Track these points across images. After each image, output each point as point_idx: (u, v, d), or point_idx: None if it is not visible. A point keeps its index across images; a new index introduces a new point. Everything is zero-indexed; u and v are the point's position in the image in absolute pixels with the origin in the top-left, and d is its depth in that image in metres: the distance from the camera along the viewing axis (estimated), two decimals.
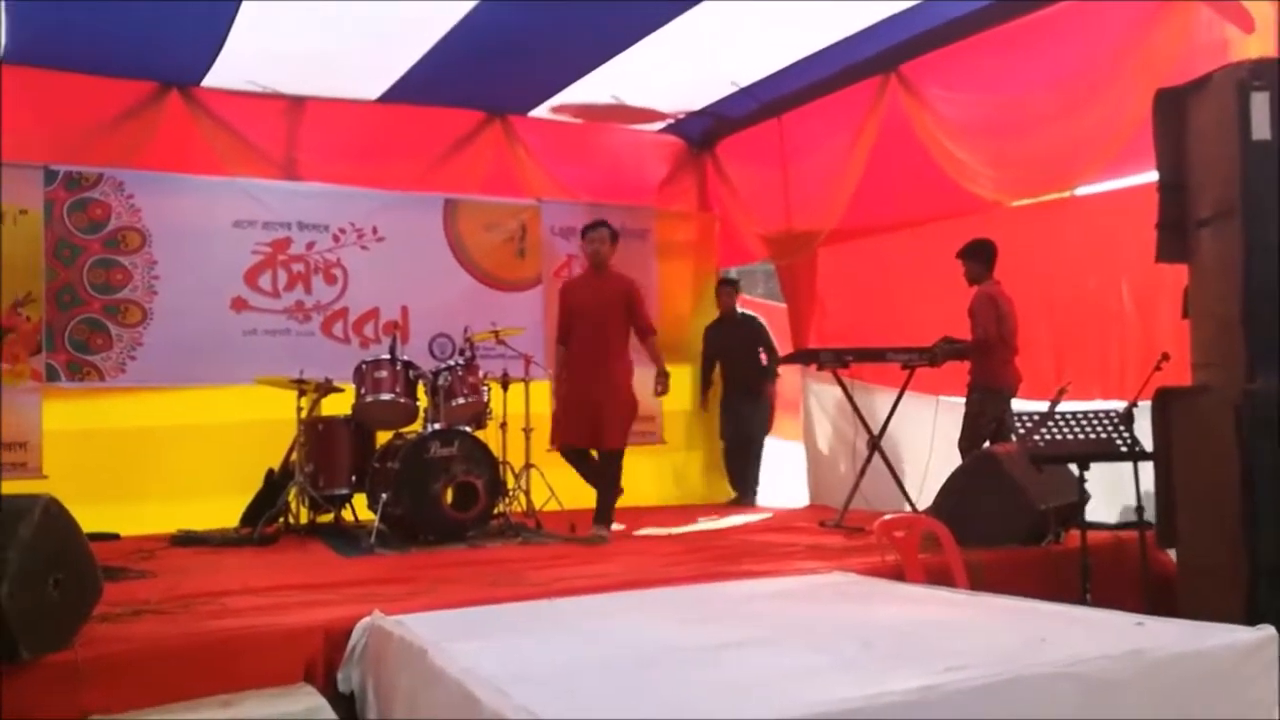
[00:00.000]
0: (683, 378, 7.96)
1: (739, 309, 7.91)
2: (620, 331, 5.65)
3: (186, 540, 5.55)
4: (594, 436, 5.56)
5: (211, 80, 6.56)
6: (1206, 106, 3.91)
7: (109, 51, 6.00)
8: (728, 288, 7.88)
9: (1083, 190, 5.64)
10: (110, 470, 6.06)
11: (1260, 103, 3.72)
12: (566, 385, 5.70)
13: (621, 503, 6.63)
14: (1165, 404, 3.95)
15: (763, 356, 7.66)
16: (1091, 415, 4.33)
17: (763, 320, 7.93)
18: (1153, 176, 4.16)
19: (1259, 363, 3.66)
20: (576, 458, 5.72)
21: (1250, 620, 2.88)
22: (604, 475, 5.63)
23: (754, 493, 7.61)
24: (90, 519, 3.50)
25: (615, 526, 6.15)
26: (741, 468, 7.72)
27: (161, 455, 6.27)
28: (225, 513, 5.92)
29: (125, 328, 6.37)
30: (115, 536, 5.67)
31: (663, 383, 5.62)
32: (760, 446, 7.71)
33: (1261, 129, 3.71)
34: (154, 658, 3.02)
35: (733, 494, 7.73)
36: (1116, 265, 5.47)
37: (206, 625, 3.29)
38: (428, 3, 5.50)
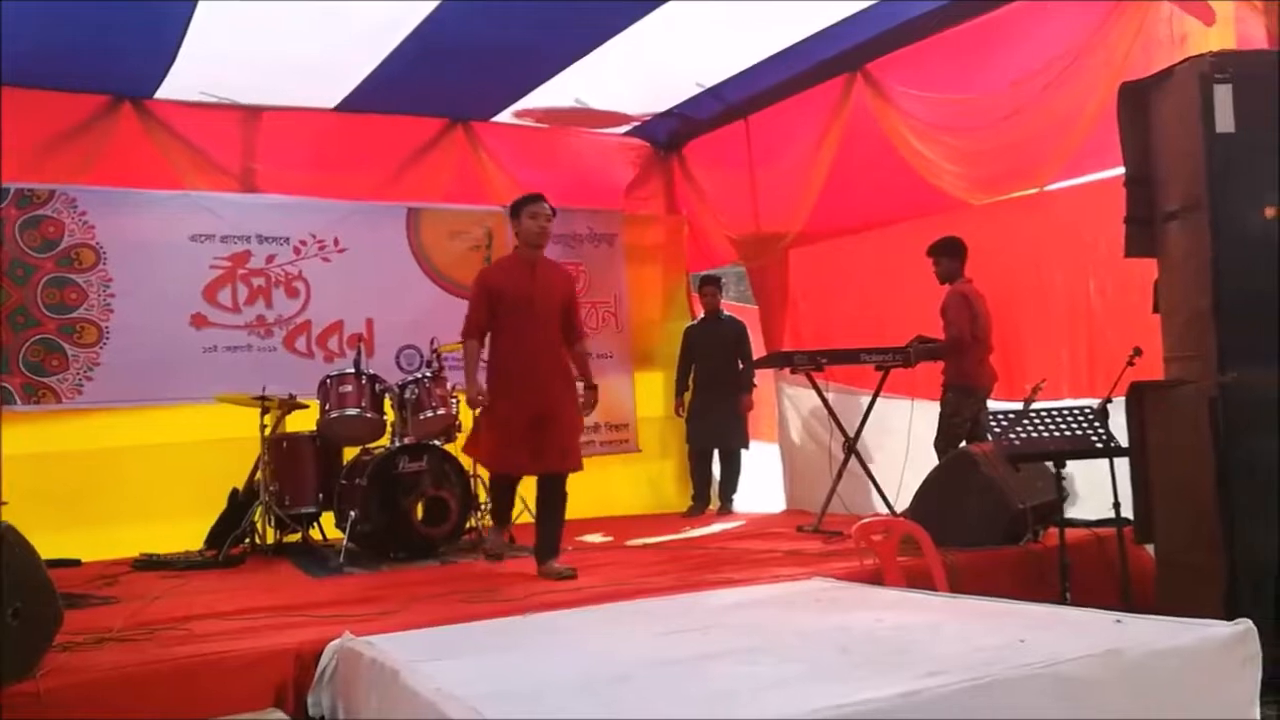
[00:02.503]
0: (654, 385, 7.93)
1: (723, 311, 7.63)
2: (561, 330, 4.83)
3: (150, 564, 5.43)
4: (548, 458, 4.65)
5: (165, 92, 6.45)
6: (1170, 100, 3.93)
7: (59, 64, 5.88)
8: (711, 287, 7.59)
9: (1051, 186, 5.65)
10: (69, 495, 5.92)
11: (1223, 95, 3.73)
12: (501, 397, 4.67)
13: (597, 512, 6.59)
14: (1139, 398, 3.96)
15: (739, 364, 7.36)
16: (1066, 412, 4.34)
17: (745, 325, 7.65)
18: (1120, 171, 4.17)
19: (1230, 354, 3.67)
20: (507, 484, 5.10)
21: (1229, 615, 2.88)
22: (558, 503, 4.75)
23: (731, 501, 7.44)
24: (50, 545, 3.44)
25: (593, 538, 6.11)
26: (706, 476, 7.52)
27: (122, 477, 6.14)
28: (189, 535, 5.80)
29: (81, 348, 6.24)
30: (76, 563, 5.54)
31: (592, 398, 4.87)
32: (738, 455, 7.46)
33: (1225, 121, 3.72)
34: (119, 687, 2.96)
35: (690, 503, 7.46)
36: (1087, 260, 5.49)
37: (172, 652, 3.22)
38: (384, 6, 5.43)
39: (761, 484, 8.00)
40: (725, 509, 7.34)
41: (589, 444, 7.31)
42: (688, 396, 7.51)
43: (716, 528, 6.51)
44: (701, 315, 7.70)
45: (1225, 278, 3.68)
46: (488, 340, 4.83)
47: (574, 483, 7.06)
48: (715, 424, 7.31)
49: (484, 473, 6.07)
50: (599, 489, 6.41)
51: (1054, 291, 5.73)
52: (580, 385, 4.87)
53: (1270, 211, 3.63)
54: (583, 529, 6.25)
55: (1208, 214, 3.72)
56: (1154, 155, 4.01)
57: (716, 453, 7.51)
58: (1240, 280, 3.67)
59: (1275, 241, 3.64)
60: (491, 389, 4.73)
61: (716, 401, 7.31)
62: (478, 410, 4.80)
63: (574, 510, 6.62)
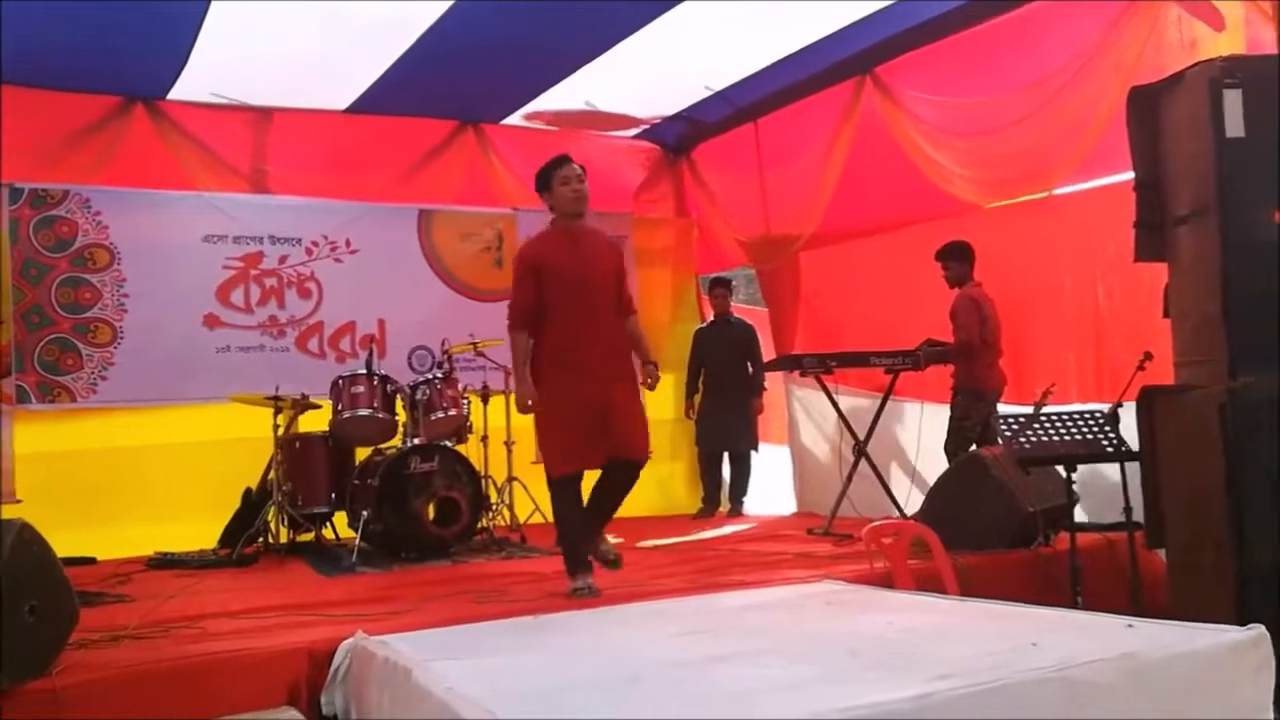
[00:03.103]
0: (663, 387, 7.89)
1: (733, 314, 7.60)
2: (617, 307, 4.33)
3: (164, 563, 5.46)
4: (620, 447, 4.15)
5: (177, 93, 6.48)
6: (1180, 104, 3.92)
7: (72, 66, 5.92)
8: (720, 289, 7.55)
9: (1060, 190, 5.65)
10: (84, 493, 5.96)
11: (1233, 100, 3.72)
12: (560, 392, 4.12)
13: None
14: (1149, 403, 3.95)
15: (749, 367, 7.35)
16: (1077, 416, 4.33)
17: (754, 328, 7.60)
18: (1129, 175, 4.17)
19: (1240, 359, 3.66)
20: (574, 485, 4.27)
21: (1241, 619, 2.88)
22: (623, 493, 4.31)
23: (741, 503, 7.44)
24: (65, 543, 3.46)
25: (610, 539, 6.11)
26: (716, 478, 7.50)
27: (136, 477, 6.18)
28: (203, 534, 5.83)
29: (95, 347, 6.28)
30: (91, 561, 5.57)
31: (653, 373, 4.33)
32: (748, 458, 7.42)
33: (1235, 126, 3.72)
34: (134, 684, 2.97)
35: (700, 505, 7.47)
36: (1097, 264, 5.48)
37: (186, 650, 3.24)
38: (396, 8, 5.45)
39: (772, 486, 8.00)
40: (735, 511, 7.34)
41: None
42: (698, 399, 7.51)
43: (727, 530, 6.51)
44: (711, 318, 7.70)
45: (1235, 282, 3.67)
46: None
47: (583, 485, 7.14)
48: (725, 426, 7.30)
49: (496, 473, 6.10)
50: None
51: (1064, 295, 5.72)
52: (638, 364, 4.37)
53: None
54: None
55: (1217, 219, 3.72)
56: (1163, 160, 4.01)
57: (726, 455, 7.51)
58: (1250, 285, 3.66)
59: None
60: (547, 385, 4.13)
61: (726, 404, 7.30)
62: (531, 414, 4.24)
63: None
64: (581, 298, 4.15)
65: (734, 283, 8.36)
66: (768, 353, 7.57)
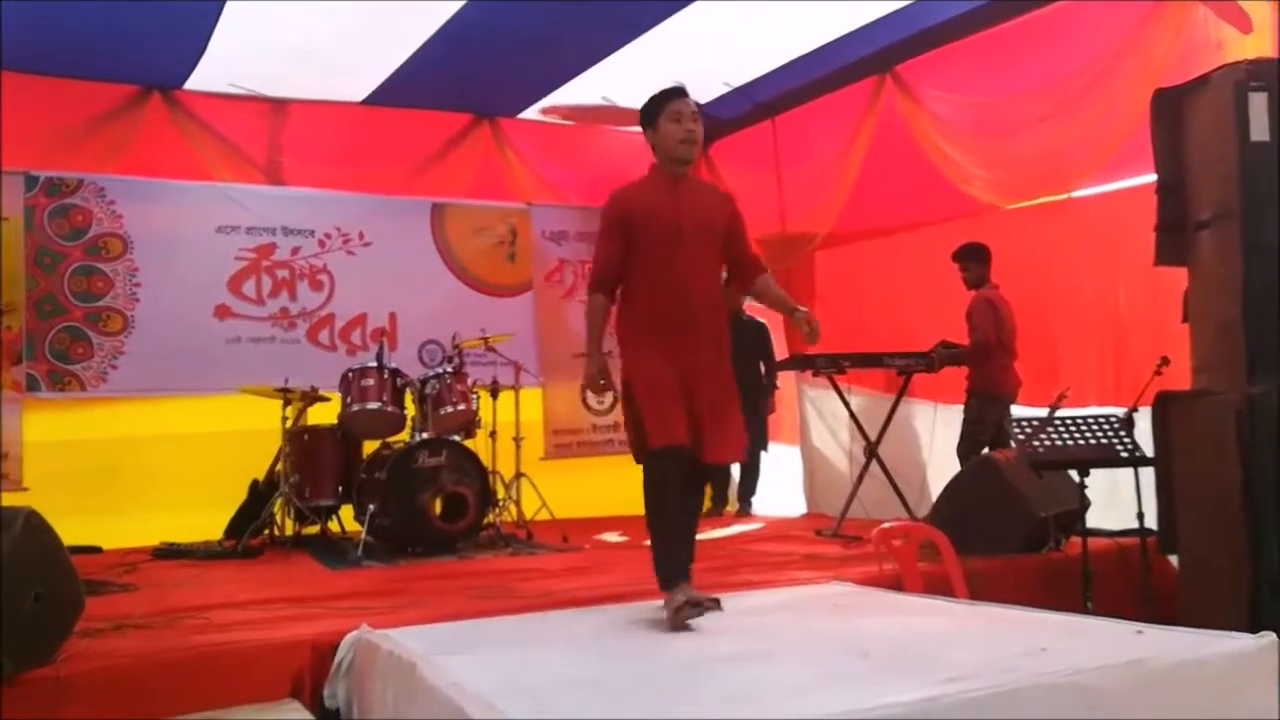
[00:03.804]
0: None
1: (745, 312, 7.31)
2: (734, 267, 3.77)
3: (170, 553, 5.47)
4: (703, 442, 3.42)
5: (194, 83, 6.49)
6: (1204, 107, 3.89)
7: (89, 54, 5.94)
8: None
9: (1080, 192, 5.60)
10: (92, 482, 5.97)
11: (1258, 103, 3.69)
12: (646, 361, 3.44)
13: (615, 511, 6.56)
14: (1165, 408, 3.92)
15: (761, 367, 7.17)
16: (1092, 420, 4.29)
17: (767, 326, 7.40)
18: (1151, 178, 4.13)
19: (1259, 366, 3.63)
20: (675, 471, 3.34)
21: (1253, 627, 2.85)
22: (698, 505, 3.70)
23: (749, 503, 7.39)
24: (72, 532, 3.45)
25: (610, 537, 6.09)
26: (725, 477, 7.36)
27: (144, 466, 6.18)
28: (209, 525, 5.83)
29: (106, 336, 6.29)
30: (97, 550, 5.58)
31: (809, 321, 3.69)
32: (757, 458, 7.27)
33: (1260, 130, 3.69)
34: (137, 673, 2.97)
35: (708, 505, 7.23)
36: (1116, 268, 5.44)
37: (191, 640, 3.23)
38: (414, 4, 5.44)
39: (781, 487, 7.96)
40: (744, 511, 7.31)
41: (608, 443, 7.32)
42: None
43: (735, 530, 6.48)
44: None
45: (1255, 288, 3.65)
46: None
47: (592, 481, 7.11)
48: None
49: (504, 469, 6.08)
50: (617, 488, 6.38)
51: (1082, 298, 5.68)
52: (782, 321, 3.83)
53: None
54: (600, 527, 6.25)
55: (1239, 223, 3.69)
56: (1186, 163, 3.97)
57: None
58: (1270, 290, 3.63)
59: None
60: (633, 354, 3.48)
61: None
62: (605, 397, 3.64)
63: (592, 509, 6.70)
64: (677, 254, 3.45)
65: None
66: (780, 352, 7.52)
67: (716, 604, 3.19)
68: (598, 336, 3.51)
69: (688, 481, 3.41)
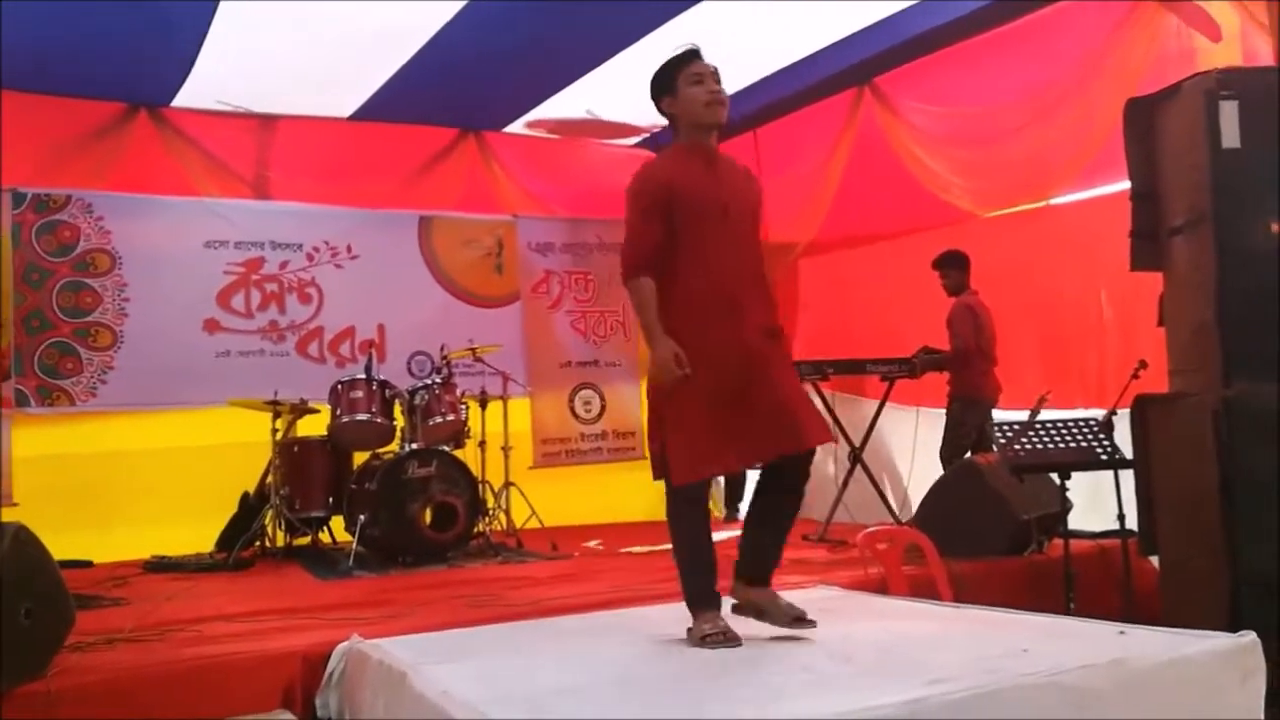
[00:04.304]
0: None
1: None
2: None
3: (161, 566, 5.47)
4: (789, 432, 3.08)
5: (181, 100, 6.49)
6: (1176, 115, 3.95)
7: (77, 72, 5.94)
8: None
9: (1058, 199, 5.67)
10: (82, 496, 5.95)
11: (1229, 111, 3.75)
12: (695, 362, 3.04)
13: (603, 519, 6.58)
14: (1143, 411, 3.97)
15: None
16: (1072, 424, 4.35)
17: None
18: (1126, 185, 4.19)
19: (1234, 368, 3.68)
20: (701, 497, 3.19)
21: (1233, 626, 2.89)
22: (796, 501, 3.25)
23: (736, 509, 7.34)
24: (62, 546, 3.45)
25: (592, 544, 6.10)
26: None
27: (134, 480, 6.17)
28: (200, 538, 5.83)
29: (95, 351, 6.29)
30: (88, 564, 5.58)
31: None
32: None
33: (1231, 137, 3.74)
34: (129, 687, 2.98)
35: (724, 511, 7.34)
36: (1094, 273, 5.51)
37: (182, 653, 3.25)
38: (401, 19, 5.48)
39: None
40: (730, 517, 7.30)
41: (595, 451, 7.34)
42: None
43: (722, 535, 6.48)
44: None
45: (1229, 292, 3.70)
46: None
47: (580, 490, 7.12)
48: None
49: (494, 478, 6.10)
50: (605, 495, 6.45)
51: (1060, 303, 5.75)
52: None
53: (1275, 226, 3.65)
54: (589, 535, 6.27)
55: (1212, 229, 3.74)
56: (1160, 170, 4.03)
57: None
58: (1244, 294, 3.68)
59: (1279, 256, 3.65)
60: (682, 331, 3.08)
61: None
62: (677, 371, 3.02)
63: (580, 516, 6.72)
64: (724, 235, 3.15)
65: None
66: None
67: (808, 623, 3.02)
68: (656, 318, 3.10)
69: (784, 480, 3.17)
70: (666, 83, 3.28)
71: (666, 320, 3.10)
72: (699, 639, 3.01)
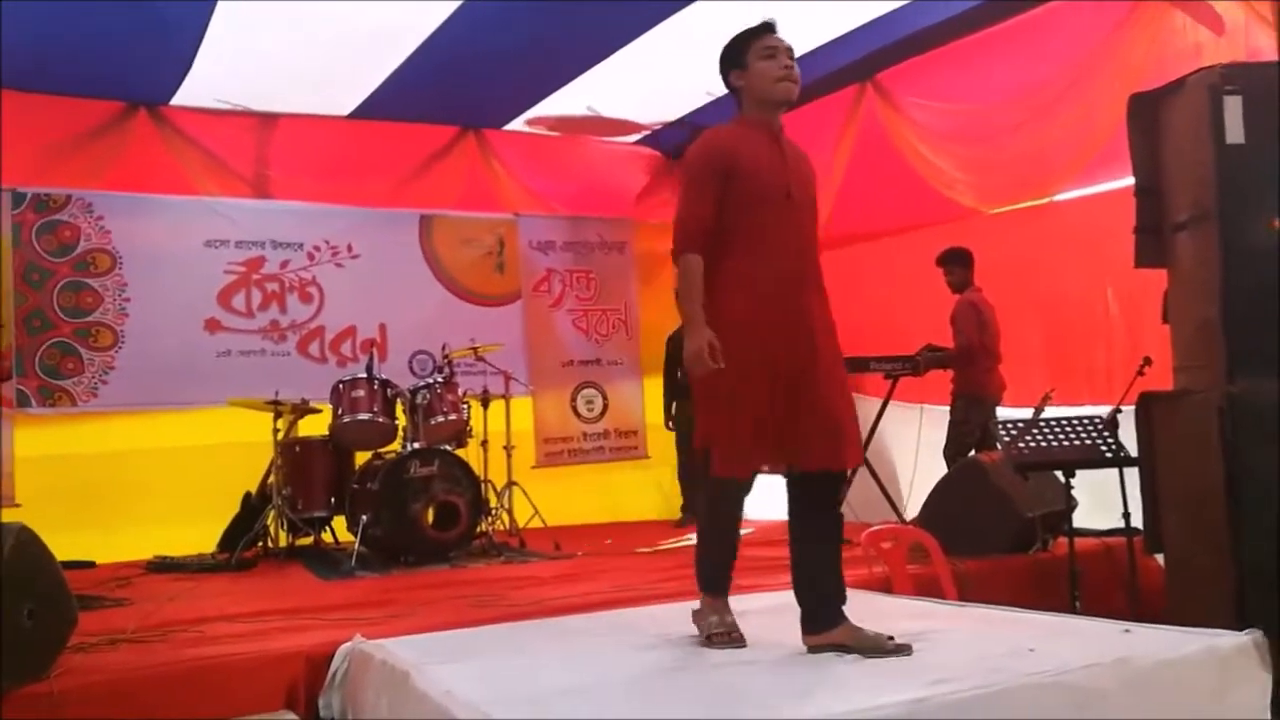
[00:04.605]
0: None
1: None
2: None
3: (163, 567, 5.46)
4: (823, 445, 2.93)
5: (180, 99, 6.50)
6: (1180, 111, 3.93)
7: (75, 71, 5.94)
8: None
9: (1062, 196, 5.66)
10: (84, 497, 5.96)
11: (1233, 106, 3.73)
12: (742, 351, 2.86)
13: (606, 518, 6.55)
14: (1148, 408, 3.96)
15: None
16: (1076, 421, 4.33)
17: None
18: (1130, 181, 4.17)
19: (1239, 365, 3.67)
20: (738, 496, 3.08)
21: (1239, 624, 2.88)
22: (836, 523, 3.07)
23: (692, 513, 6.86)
24: (64, 547, 3.44)
25: (607, 542, 6.07)
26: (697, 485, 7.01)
27: (136, 480, 6.17)
28: (202, 538, 5.83)
29: (96, 351, 6.29)
30: (90, 564, 5.57)
31: None
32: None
33: (1235, 132, 3.72)
34: (131, 688, 2.97)
35: (680, 514, 6.88)
36: (1098, 270, 5.50)
37: (185, 654, 3.23)
38: (399, 15, 5.47)
39: (769, 491, 7.97)
40: (684, 522, 6.69)
41: (598, 450, 7.33)
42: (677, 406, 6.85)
43: (673, 544, 6.48)
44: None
45: (1233, 288, 3.68)
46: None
47: (583, 489, 7.10)
48: None
49: (496, 478, 6.09)
50: (608, 495, 6.45)
51: (1064, 300, 5.74)
52: None
53: (1278, 223, 3.63)
54: (592, 534, 6.26)
55: (1217, 225, 3.72)
56: (1164, 166, 4.01)
57: None
58: (1248, 291, 3.66)
59: None
60: (723, 339, 2.85)
61: None
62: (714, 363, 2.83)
63: (583, 516, 6.70)
64: (786, 220, 2.98)
65: None
66: None
67: (904, 649, 2.73)
68: (700, 301, 2.90)
69: (815, 500, 3.00)
70: (737, 55, 3.08)
71: (715, 306, 2.91)
72: (705, 636, 2.97)
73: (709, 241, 2.95)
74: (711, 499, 3.06)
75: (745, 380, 2.87)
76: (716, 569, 3.07)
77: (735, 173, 2.95)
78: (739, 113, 3.12)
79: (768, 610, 3.58)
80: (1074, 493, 4.32)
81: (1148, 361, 4.38)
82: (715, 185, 2.95)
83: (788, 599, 3.71)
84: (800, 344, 2.93)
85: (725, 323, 2.89)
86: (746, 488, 3.06)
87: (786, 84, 3.00)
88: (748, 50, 3.04)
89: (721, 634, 2.95)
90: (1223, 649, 2.66)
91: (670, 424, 7.02)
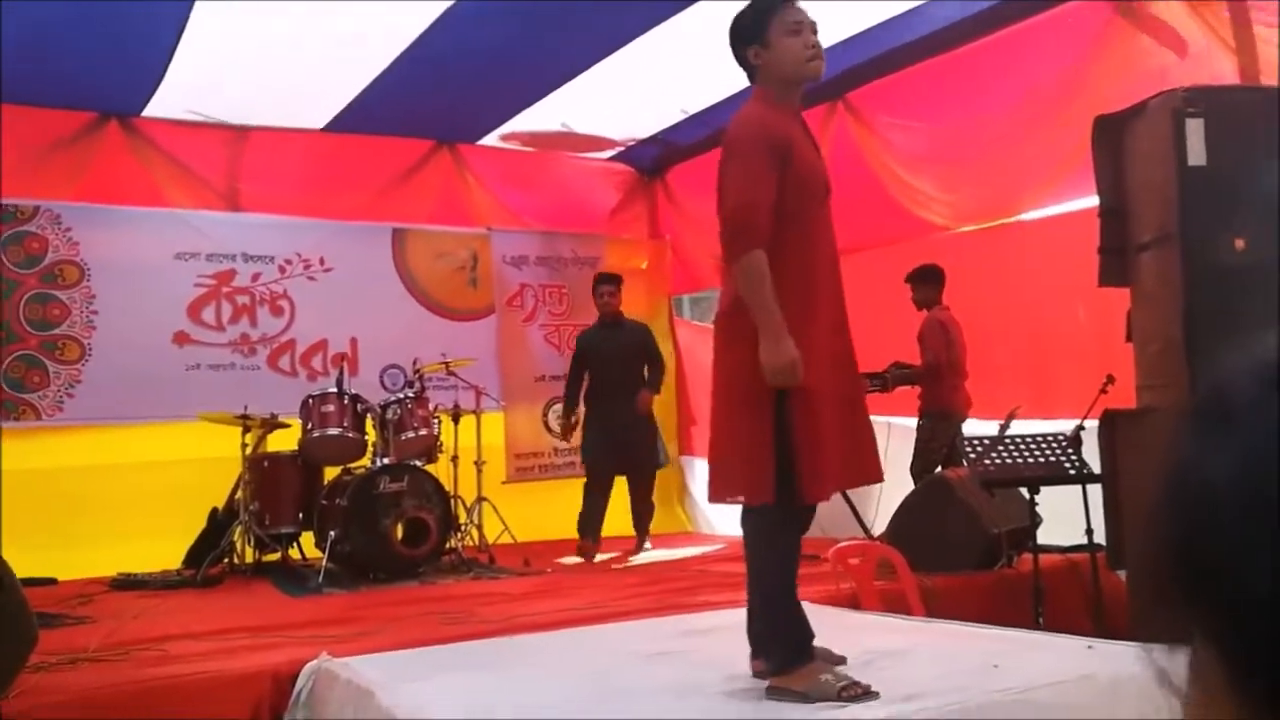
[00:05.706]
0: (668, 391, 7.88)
1: (624, 315, 6.45)
2: None
3: (127, 584, 5.40)
4: (874, 463, 2.89)
5: (152, 110, 6.45)
6: (1144, 133, 3.99)
7: (46, 81, 5.88)
8: (608, 285, 6.36)
9: (1029, 215, 5.72)
10: (47, 512, 5.84)
11: (1195, 129, 3.79)
12: (809, 358, 2.58)
13: (574, 534, 6.53)
14: (1111, 426, 4.00)
15: (645, 373, 6.30)
16: (1040, 439, 4.38)
17: (649, 329, 6.66)
18: (1096, 202, 4.24)
19: (1201, 383, 3.71)
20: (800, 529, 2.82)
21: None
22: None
23: (647, 535, 6.43)
24: (26, 563, 3.41)
25: (571, 560, 6.07)
26: (600, 506, 6.25)
27: (101, 495, 6.07)
28: (167, 554, 5.75)
29: (63, 364, 6.21)
30: (52, 581, 5.48)
31: None
32: (652, 478, 6.42)
33: (1197, 155, 3.78)
34: (92, 709, 2.94)
35: (581, 539, 6.23)
36: (1064, 289, 5.55)
37: (147, 673, 3.20)
38: (373, 29, 5.46)
39: (738, 507, 7.95)
40: (642, 547, 6.37)
41: (569, 466, 7.31)
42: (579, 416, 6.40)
43: (694, 550, 6.50)
44: (597, 320, 6.49)
45: (1196, 308, 3.73)
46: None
47: (553, 505, 7.09)
48: (619, 443, 6.19)
49: (466, 494, 6.05)
50: (575, 509, 6.41)
51: (1030, 318, 5.79)
52: None
53: (1240, 243, 3.69)
54: (562, 550, 6.24)
55: (1179, 245, 3.78)
56: (1127, 187, 4.07)
57: (627, 478, 6.35)
58: (1211, 310, 3.72)
59: (1245, 272, 3.70)
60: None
61: (619, 416, 6.15)
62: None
63: (554, 532, 6.69)
64: (825, 219, 2.77)
65: (709, 302, 8.30)
66: None
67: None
68: (776, 303, 2.52)
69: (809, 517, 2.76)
70: (756, 31, 2.73)
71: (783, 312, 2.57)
72: (837, 692, 2.41)
73: (772, 235, 2.55)
74: (774, 540, 2.64)
75: (823, 395, 2.60)
76: (799, 632, 2.62)
77: (791, 158, 2.60)
78: (759, 93, 2.78)
79: (739, 626, 3.59)
80: (1038, 509, 4.36)
81: (1111, 380, 4.43)
82: (775, 168, 2.59)
83: None
84: (852, 355, 2.79)
85: (795, 320, 2.57)
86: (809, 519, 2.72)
87: (817, 63, 2.71)
88: (769, 24, 2.70)
89: (851, 685, 2.43)
90: (1184, 665, 2.69)
91: (569, 436, 6.45)
